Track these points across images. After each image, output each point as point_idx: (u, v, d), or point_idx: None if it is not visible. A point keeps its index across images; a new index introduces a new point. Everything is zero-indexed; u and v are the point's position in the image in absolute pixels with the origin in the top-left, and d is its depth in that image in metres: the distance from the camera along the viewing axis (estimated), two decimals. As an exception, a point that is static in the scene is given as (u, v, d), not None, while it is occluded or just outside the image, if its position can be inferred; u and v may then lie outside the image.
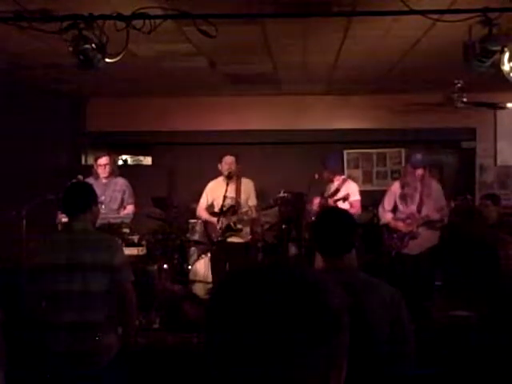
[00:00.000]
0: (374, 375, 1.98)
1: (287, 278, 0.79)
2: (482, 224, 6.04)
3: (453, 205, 5.34)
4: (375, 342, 2.01)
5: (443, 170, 7.46)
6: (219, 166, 5.51)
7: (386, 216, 5.64)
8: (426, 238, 5.45)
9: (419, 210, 5.46)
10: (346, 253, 2.24)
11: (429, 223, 5.43)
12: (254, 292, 0.77)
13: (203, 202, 5.68)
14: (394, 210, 5.65)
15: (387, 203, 5.65)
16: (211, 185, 5.68)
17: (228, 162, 5.47)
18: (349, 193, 5.71)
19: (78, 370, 2.77)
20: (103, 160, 5.59)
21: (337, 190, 5.82)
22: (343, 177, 5.99)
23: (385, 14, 3.61)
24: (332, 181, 5.89)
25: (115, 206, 5.58)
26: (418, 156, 5.53)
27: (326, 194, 5.96)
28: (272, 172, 7.26)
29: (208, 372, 0.80)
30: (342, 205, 5.73)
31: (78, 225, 2.89)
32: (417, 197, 5.48)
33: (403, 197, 5.55)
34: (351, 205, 5.73)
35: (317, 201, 5.97)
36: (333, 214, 2.43)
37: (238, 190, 5.51)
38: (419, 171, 5.44)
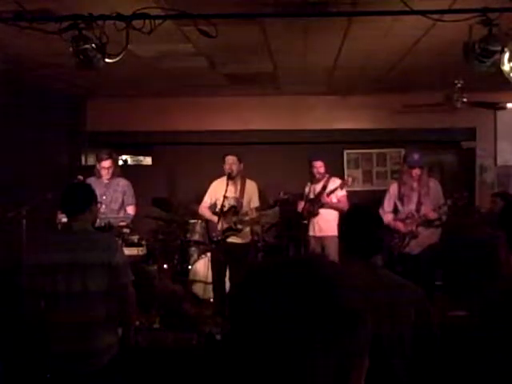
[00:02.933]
0: (398, 371, 1.99)
1: (307, 276, 0.80)
2: (482, 223, 6.05)
3: (449, 203, 5.34)
4: (401, 341, 2.02)
5: (443, 170, 7.47)
6: (223, 166, 5.53)
7: (386, 217, 5.65)
8: (427, 237, 5.45)
9: (418, 210, 5.46)
10: (375, 254, 2.22)
11: (427, 222, 5.43)
12: (273, 288, 0.79)
13: (206, 200, 5.70)
14: (395, 211, 5.67)
15: (387, 204, 5.67)
16: (215, 184, 5.69)
17: (229, 162, 5.48)
18: (347, 178, 5.81)
19: (78, 370, 2.77)
20: (106, 163, 5.51)
21: (324, 188, 5.89)
22: (327, 175, 6.04)
23: (385, 13, 3.61)
24: (321, 178, 5.95)
25: (116, 207, 5.56)
26: (415, 156, 5.52)
27: (311, 196, 6.00)
28: (272, 172, 7.27)
29: (224, 364, 0.81)
30: (335, 196, 5.81)
31: (77, 225, 2.90)
32: (414, 196, 5.48)
33: (401, 197, 5.57)
34: (339, 200, 5.83)
35: (301, 205, 6.05)
36: (364, 215, 2.32)
37: (241, 191, 5.52)
38: (416, 171, 5.43)
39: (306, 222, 6.06)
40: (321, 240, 5.93)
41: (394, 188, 5.69)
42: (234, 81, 6.42)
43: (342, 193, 5.91)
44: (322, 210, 5.91)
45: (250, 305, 0.79)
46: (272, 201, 5.88)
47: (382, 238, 2.27)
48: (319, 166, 5.97)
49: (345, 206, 5.77)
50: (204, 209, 5.71)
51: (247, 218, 5.45)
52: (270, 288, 0.79)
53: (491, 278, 5.60)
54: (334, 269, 0.85)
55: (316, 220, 5.95)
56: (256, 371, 0.77)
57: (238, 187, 5.53)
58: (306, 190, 6.16)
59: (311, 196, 6.04)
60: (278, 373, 0.75)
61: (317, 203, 5.93)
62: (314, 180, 6.05)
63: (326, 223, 5.87)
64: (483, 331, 2.18)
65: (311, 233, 6.04)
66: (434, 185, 5.56)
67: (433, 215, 5.39)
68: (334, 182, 5.93)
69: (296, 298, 0.76)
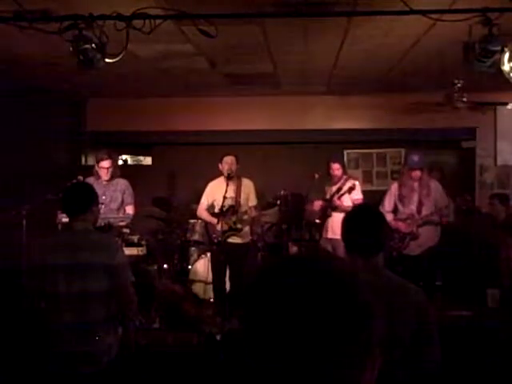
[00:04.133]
0: (397, 374, 1.98)
1: (320, 273, 0.81)
2: (482, 224, 6.05)
3: (452, 205, 5.35)
4: (400, 343, 2.01)
5: (443, 170, 7.46)
6: (220, 166, 5.51)
7: (386, 217, 5.64)
8: (427, 238, 5.45)
9: (419, 211, 5.46)
10: (376, 253, 2.20)
11: (429, 222, 5.43)
12: (287, 286, 0.79)
13: (203, 202, 5.68)
14: (395, 211, 5.66)
15: (387, 204, 5.66)
16: (211, 185, 5.67)
17: (228, 162, 5.46)
18: (354, 183, 5.78)
19: (78, 370, 2.77)
20: (105, 163, 5.47)
21: (339, 189, 5.86)
22: (345, 176, 6.02)
23: (385, 13, 3.61)
24: (338, 180, 5.92)
25: (115, 207, 5.55)
26: (415, 158, 5.51)
27: (327, 196, 5.97)
28: (272, 172, 7.27)
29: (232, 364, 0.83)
30: (346, 200, 5.79)
31: (78, 225, 2.89)
32: (414, 198, 5.48)
33: (401, 198, 5.57)
34: (354, 202, 5.78)
35: (319, 203, 6.00)
36: (366, 214, 2.31)
37: (238, 191, 5.51)
38: (416, 173, 5.43)
39: (318, 221, 6.02)
40: (331, 242, 5.86)
41: (394, 188, 5.70)
42: (234, 81, 6.42)
43: (357, 196, 5.84)
44: (335, 213, 5.86)
45: (266, 302, 0.79)
46: (272, 199, 5.87)
47: (383, 238, 2.24)
48: (336, 169, 5.93)
49: None
50: (202, 211, 5.69)
51: (246, 217, 5.44)
52: (283, 285, 0.79)
53: (491, 278, 5.62)
54: (344, 264, 0.86)
55: (330, 221, 5.91)
56: (270, 370, 0.77)
57: (235, 187, 5.52)
58: (326, 189, 6.12)
59: (327, 197, 6.01)
60: (294, 372, 0.75)
61: (330, 205, 5.90)
62: (331, 182, 6.03)
63: (339, 226, 5.81)
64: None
65: (324, 234, 6.01)
66: (435, 186, 5.55)
67: (434, 217, 5.38)
68: (350, 183, 5.87)
69: (311, 295, 0.77)
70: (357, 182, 5.90)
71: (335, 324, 0.75)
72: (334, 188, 5.93)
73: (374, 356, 0.80)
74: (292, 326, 0.75)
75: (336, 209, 5.80)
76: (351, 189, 5.75)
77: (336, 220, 5.79)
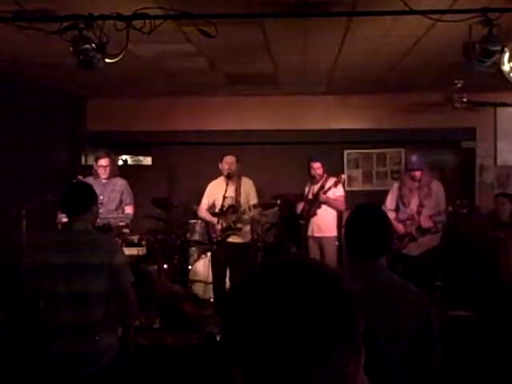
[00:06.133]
0: (397, 378, 1.98)
1: (307, 273, 0.82)
2: (482, 224, 6.05)
3: (450, 209, 5.33)
4: (401, 344, 2.00)
5: (443, 170, 7.46)
6: (220, 166, 5.51)
7: (389, 215, 5.63)
8: (427, 240, 5.43)
9: (419, 212, 5.44)
10: (380, 255, 2.16)
11: (423, 230, 5.40)
12: (275, 287, 0.79)
13: (204, 202, 5.68)
14: (397, 209, 5.66)
15: (389, 203, 5.66)
16: (212, 185, 5.67)
17: (228, 162, 5.46)
18: (341, 175, 5.90)
19: (78, 370, 2.77)
20: (104, 161, 5.49)
21: (322, 187, 5.92)
22: (325, 175, 6.05)
23: (385, 13, 3.61)
24: (319, 178, 5.99)
25: (113, 207, 5.54)
26: (413, 158, 5.51)
27: (310, 196, 6.02)
28: (272, 172, 7.27)
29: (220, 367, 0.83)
30: (332, 195, 5.84)
31: (78, 225, 2.89)
32: (414, 198, 5.47)
33: (401, 198, 5.57)
34: (336, 199, 5.85)
35: (301, 206, 6.07)
36: (370, 215, 2.24)
37: (237, 190, 5.51)
38: (415, 173, 5.42)
39: (304, 222, 6.07)
40: (319, 240, 5.95)
41: (396, 187, 5.71)
42: (234, 81, 6.42)
43: (339, 192, 5.93)
44: (320, 211, 5.94)
45: (250, 305, 0.80)
46: (272, 202, 5.90)
47: (388, 240, 2.19)
48: (317, 168, 5.99)
49: (341, 205, 5.89)
50: (203, 211, 5.70)
51: (246, 217, 5.44)
52: (267, 288, 0.80)
53: (491, 278, 5.62)
54: (328, 266, 0.87)
55: (315, 220, 5.97)
56: (256, 371, 0.78)
57: (235, 186, 5.52)
58: (306, 190, 6.18)
59: (310, 197, 6.06)
60: (278, 372, 0.76)
61: (314, 204, 5.94)
62: (313, 181, 6.07)
63: (325, 224, 5.91)
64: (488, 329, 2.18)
65: (309, 233, 6.04)
66: (437, 187, 5.53)
67: (427, 224, 5.35)
68: (331, 181, 5.95)
69: (300, 296, 0.77)
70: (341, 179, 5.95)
71: (319, 319, 0.76)
72: (317, 187, 5.97)
73: (359, 350, 0.81)
74: (277, 324, 0.76)
75: (321, 206, 5.86)
76: (337, 182, 5.81)
77: (323, 217, 5.88)
